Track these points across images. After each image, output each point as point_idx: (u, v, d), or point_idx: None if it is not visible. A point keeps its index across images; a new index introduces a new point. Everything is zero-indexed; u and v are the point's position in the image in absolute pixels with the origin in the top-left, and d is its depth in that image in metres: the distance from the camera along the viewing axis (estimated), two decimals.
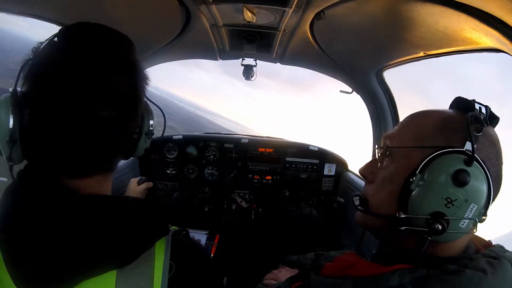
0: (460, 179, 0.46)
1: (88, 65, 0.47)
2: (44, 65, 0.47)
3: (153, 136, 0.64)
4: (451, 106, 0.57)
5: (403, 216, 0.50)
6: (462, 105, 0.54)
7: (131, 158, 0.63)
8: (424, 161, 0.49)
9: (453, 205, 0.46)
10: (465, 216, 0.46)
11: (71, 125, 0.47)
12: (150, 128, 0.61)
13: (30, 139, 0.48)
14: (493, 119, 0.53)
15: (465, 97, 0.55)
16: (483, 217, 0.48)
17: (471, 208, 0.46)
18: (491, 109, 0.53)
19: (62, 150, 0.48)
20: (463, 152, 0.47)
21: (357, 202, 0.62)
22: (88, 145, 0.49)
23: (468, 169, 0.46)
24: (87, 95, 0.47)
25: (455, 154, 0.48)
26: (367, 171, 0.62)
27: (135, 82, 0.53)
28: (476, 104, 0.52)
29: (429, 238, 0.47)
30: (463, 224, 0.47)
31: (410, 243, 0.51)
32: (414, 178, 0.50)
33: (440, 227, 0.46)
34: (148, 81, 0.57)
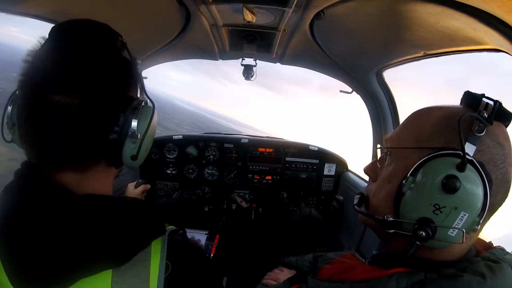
0: (449, 186, 0.43)
1: (59, 53, 0.48)
2: (28, 58, 0.49)
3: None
4: (461, 102, 0.52)
5: (391, 219, 0.50)
6: (469, 100, 0.50)
7: None
8: (417, 164, 0.47)
9: (441, 212, 0.44)
10: (454, 225, 0.44)
11: (29, 110, 0.48)
12: (134, 130, 0.51)
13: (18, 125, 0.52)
14: (504, 116, 0.48)
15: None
16: (476, 227, 0.45)
17: (462, 217, 0.43)
18: (502, 104, 0.47)
19: (30, 135, 0.50)
20: (460, 155, 0.44)
21: (355, 201, 0.62)
22: (44, 131, 0.48)
23: (460, 174, 0.43)
24: (44, 79, 0.47)
25: (450, 157, 0.45)
26: (370, 169, 0.62)
27: (107, 71, 0.50)
28: (484, 99, 0.48)
29: (417, 243, 0.45)
30: (452, 233, 0.44)
31: (401, 246, 0.50)
32: (406, 180, 0.48)
33: (424, 234, 0.44)
34: (138, 76, 0.56)
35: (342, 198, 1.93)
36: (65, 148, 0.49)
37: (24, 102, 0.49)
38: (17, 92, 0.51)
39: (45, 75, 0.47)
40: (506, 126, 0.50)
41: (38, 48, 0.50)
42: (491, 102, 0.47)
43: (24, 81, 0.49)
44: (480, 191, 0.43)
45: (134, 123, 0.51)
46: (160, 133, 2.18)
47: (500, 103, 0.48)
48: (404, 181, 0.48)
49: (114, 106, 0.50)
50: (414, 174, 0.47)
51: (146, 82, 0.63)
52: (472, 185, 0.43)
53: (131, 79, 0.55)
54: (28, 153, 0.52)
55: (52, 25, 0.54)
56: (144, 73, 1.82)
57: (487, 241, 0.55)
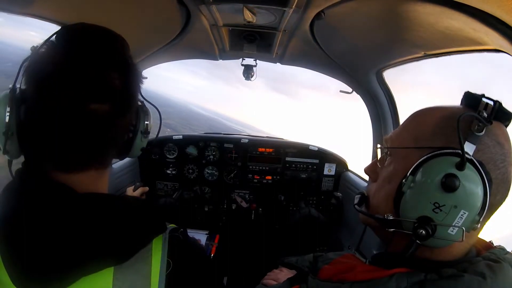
0: (448, 184, 0.43)
1: (84, 62, 0.49)
2: (44, 65, 0.48)
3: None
4: (461, 102, 0.53)
5: (391, 218, 0.50)
6: (469, 100, 0.50)
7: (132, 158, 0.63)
8: (416, 163, 0.47)
9: (441, 210, 0.44)
10: (454, 223, 0.44)
11: (65, 118, 0.48)
12: (146, 128, 0.61)
13: (26, 132, 0.50)
14: (504, 116, 0.48)
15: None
16: (476, 225, 0.45)
17: (461, 215, 0.44)
18: (502, 104, 0.48)
19: (57, 142, 0.50)
20: (459, 154, 0.44)
21: (356, 201, 0.62)
22: (80, 138, 0.50)
23: (459, 173, 0.43)
24: (80, 89, 0.48)
25: (449, 156, 0.45)
26: (370, 169, 0.62)
27: (128, 78, 0.54)
28: (484, 99, 0.48)
29: (418, 242, 0.46)
30: (452, 231, 0.44)
31: (401, 246, 0.50)
32: (406, 179, 0.48)
33: (423, 232, 0.44)
34: (143, 80, 0.58)
35: (340, 194, 1.94)
36: (90, 150, 0.52)
37: (52, 109, 0.48)
38: (29, 96, 0.50)
39: (79, 86, 0.48)
40: (506, 126, 0.50)
41: (51, 53, 0.50)
42: (491, 102, 0.48)
43: (51, 94, 0.48)
44: (479, 190, 0.44)
45: (146, 122, 0.61)
46: None
47: (500, 103, 0.48)
48: (404, 180, 0.49)
49: (134, 108, 0.58)
50: (414, 173, 0.48)
51: (158, 87, 0.65)
52: (472, 184, 0.43)
53: (140, 82, 0.59)
54: (34, 156, 0.52)
55: (53, 25, 0.54)
56: (144, 73, 1.81)
57: (487, 241, 0.55)
